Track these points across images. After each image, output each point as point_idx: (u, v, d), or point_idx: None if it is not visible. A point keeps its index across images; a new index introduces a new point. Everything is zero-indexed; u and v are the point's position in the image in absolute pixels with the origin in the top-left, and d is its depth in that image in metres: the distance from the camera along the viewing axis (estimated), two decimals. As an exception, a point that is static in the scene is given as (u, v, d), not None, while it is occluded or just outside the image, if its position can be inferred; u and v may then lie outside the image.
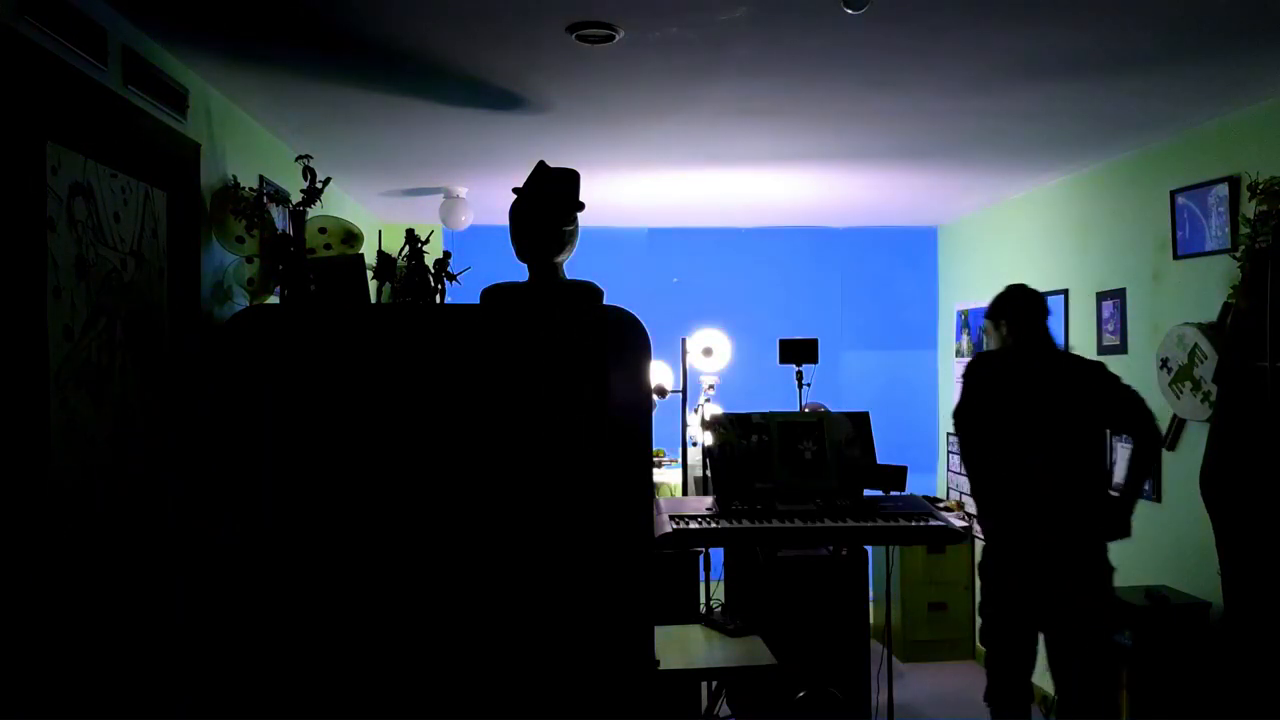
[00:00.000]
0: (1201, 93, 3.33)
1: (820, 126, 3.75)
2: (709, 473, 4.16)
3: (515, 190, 3.02)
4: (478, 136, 3.87)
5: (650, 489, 2.86)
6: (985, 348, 3.85)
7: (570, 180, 3.00)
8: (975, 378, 3.61)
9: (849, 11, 2.40)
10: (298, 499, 2.70)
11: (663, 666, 3.09)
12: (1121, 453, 4.14)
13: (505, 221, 3.07)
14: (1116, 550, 3.25)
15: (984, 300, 5.61)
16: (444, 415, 2.72)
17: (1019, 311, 3.56)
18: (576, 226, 3.03)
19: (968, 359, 5.83)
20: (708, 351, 5.88)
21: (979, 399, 3.55)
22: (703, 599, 4.57)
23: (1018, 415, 3.40)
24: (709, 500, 3.88)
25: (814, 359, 4.54)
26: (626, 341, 2.75)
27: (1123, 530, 3.35)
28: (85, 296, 2.34)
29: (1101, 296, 4.42)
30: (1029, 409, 3.38)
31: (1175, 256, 3.86)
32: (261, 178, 3.57)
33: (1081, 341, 4.61)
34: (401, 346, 2.77)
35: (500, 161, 4.28)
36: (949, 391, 6.23)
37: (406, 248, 3.14)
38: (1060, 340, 4.30)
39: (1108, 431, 3.82)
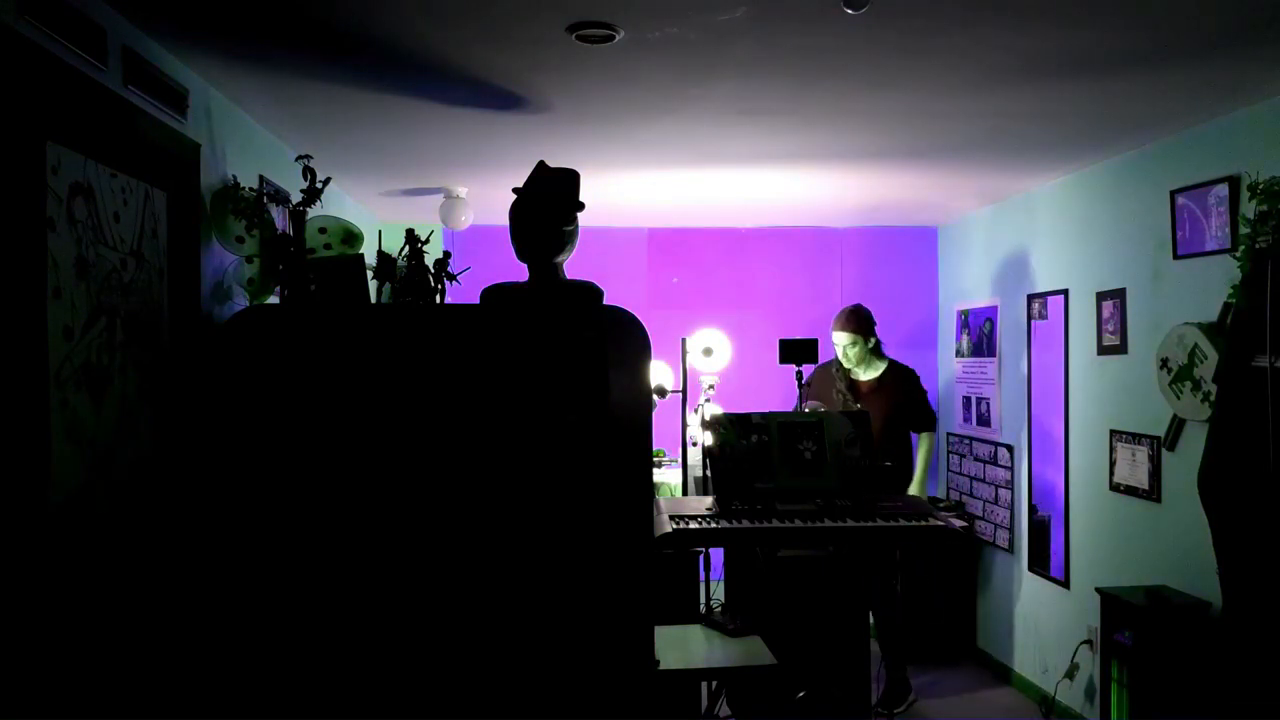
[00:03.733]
0: (1201, 93, 3.33)
1: (820, 126, 3.75)
2: (709, 473, 4.16)
3: (515, 190, 3.02)
4: (478, 136, 3.87)
5: (650, 489, 2.86)
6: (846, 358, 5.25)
7: (570, 180, 3.00)
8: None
9: (849, 11, 2.40)
10: (299, 499, 2.71)
11: (663, 666, 3.09)
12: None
13: (505, 221, 3.07)
14: (1118, 550, 3.24)
15: (984, 300, 5.67)
16: (444, 415, 2.73)
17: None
18: (576, 226, 3.03)
19: (969, 359, 5.86)
20: (708, 351, 5.87)
21: None
22: (703, 599, 4.57)
23: None
24: (709, 500, 3.88)
25: (814, 359, 4.54)
26: (626, 341, 2.75)
27: None
28: (85, 296, 2.34)
29: (1101, 296, 4.42)
30: None
31: (1175, 256, 3.86)
32: (261, 178, 3.57)
33: (1081, 341, 4.61)
34: (402, 346, 2.77)
35: (500, 161, 4.28)
36: (949, 392, 6.23)
37: (406, 248, 3.14)
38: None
39: None
